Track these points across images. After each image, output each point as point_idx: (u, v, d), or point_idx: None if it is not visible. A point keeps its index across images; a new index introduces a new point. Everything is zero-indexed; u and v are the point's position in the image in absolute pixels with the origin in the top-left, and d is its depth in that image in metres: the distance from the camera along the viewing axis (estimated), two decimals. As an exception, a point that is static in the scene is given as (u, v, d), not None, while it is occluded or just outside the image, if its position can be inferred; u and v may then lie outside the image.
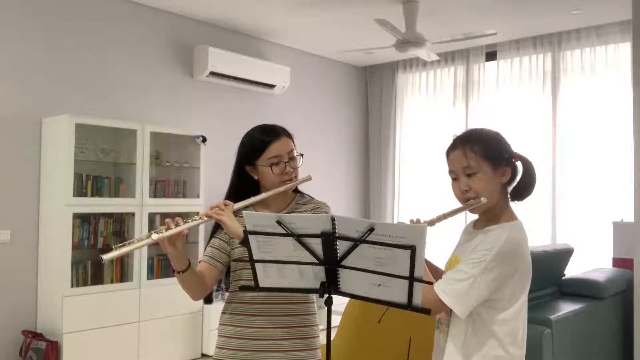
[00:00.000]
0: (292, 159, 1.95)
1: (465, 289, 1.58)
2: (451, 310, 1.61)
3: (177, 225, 1.73)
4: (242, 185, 1.98)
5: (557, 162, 5.70)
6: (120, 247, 1.66)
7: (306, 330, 1.95)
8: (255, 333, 1.90)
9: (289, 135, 1.98)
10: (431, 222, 1.66)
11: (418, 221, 1.69)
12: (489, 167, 1.67)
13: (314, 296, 2.00)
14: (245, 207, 1.88)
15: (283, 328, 1.91)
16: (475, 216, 1.80)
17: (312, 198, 2.08)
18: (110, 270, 4.45)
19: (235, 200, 1.91)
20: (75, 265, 4.24)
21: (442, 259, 1.88)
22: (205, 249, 1.99)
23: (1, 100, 4.19)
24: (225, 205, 1.84)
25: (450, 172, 1.73)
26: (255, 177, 1.97)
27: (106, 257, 1.63)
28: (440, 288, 1.61)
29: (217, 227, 1.96)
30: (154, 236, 1.69)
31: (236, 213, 1.86)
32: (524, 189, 1.73)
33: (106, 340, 4.24)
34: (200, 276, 1.89)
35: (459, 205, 1.72)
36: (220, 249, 1.95)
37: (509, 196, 1.75)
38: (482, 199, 1.65)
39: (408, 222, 1.72)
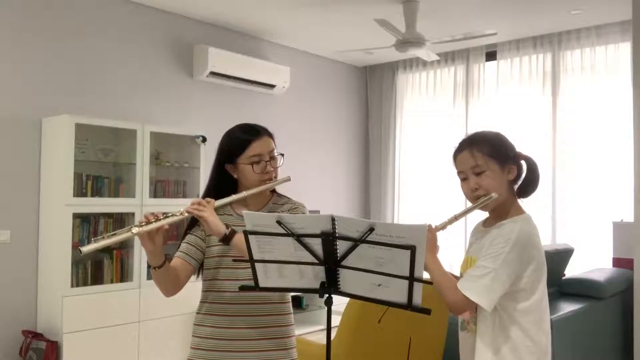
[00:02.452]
0: (272, 158, 1.96)
1: (488, 283, 1.64)
2: (477, 307, 1.67)
3: (157, 219, 1.72)
4: (222, 183, 1.98)
5: (557, 162, 5.69)
6: (99, 239, 1.65)
7: (281, 330, 1.95)
8: (229, 333, 1.90)
9: (269, 135, 1.99)
10: (443, 226, 1.72)
11: (430, 226, 1.71)
12: (495, 165, 1.75)
13: (289, 296, 2.01)
14: (226, 205, 1.89)
15: (257, 328, 1.90)
16: (481, 216, 1.86)
17: (289, 198, 2.08)
18: (110, 270, 4.45)
19: (213, 198, 1.91)
20: (75, 265, 4.24)
21: (449, 260, 1.91)
22: (180, 244, 1.97)
23: (1, 100, 4.19)
24: (207, 202, 1.83)
25: (459, 173, 1.81)
26: (235, 176, 1.97)
27: (85, 249, 1.62)
28: (464, 286, 1.66)
29: (193, 224, 1.95)
30: (134, 229, 1.67)
31: (216, 210, 1.85)
32: (529, 186, 1.82)
33: (106, 340, 4.24)
34: (175, 272, 1.87)
35: (462, 206, 1.76)
36: (196, 245, 1.94)
37: (515, 193, 1.82)
38: (493, 194, 1.72)
39: None
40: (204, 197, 1.97)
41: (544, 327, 1.72)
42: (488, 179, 1.74)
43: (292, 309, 2.03)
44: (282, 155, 2.00)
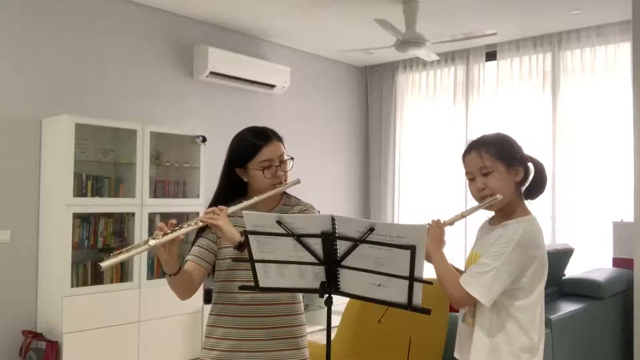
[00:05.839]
0: (282, 162, 1.98)
1: (489, 280, 1.71)
2: (476, 301, 1.74)
3: (172, 230, 1.74)
4: (232, 186, 1.99)
5: (557, 162, 5.69)
6: (118, 254, 1.66)
7: (292, 331, 1.96)
8: (241, 334, 1.91)
9: (279, 139, 2.01)
10: (451, 222, 1.81)
11: (438, 221, 1.81)
12: (503, 167, 1.81)
13: (300, 296, 2.02)
14: (237, 211, 1.88)
15: (268, 329, 1.92)
16: (486, 215, 1.94)
17: (299, 199, 2.10)
18: (110, 270, 4.44)
19: (224, 201, 1.93)
20: (75, 265, 4.24)
21: (456, 256, 1.97)
22: (191, 247, 1.99)
23: (1, 100, 4.19)
24: (220, 210, 1.84)
25: (467, 173, 1.87)
26: (245, 179, 1.98)
27: (104, 264, 1.64)
28: (466, 281, 1.74)
29: (205, 227, 1.95)
30: (152, 242, 1.69)
31: (228, 216, 1.86)
32: (536, 188, 1.88)
33: (106, 340, 4.24)
34: (189, 277, 1.89)
35: (462, 206, 1.78)
36: (208, 248, 1.96)
37: (522, 195, 1.88)
38: (498, 195, 1.78)
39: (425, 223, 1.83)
40: (214, 199, 1.99)
41: (538, 324, 1.79)
42: (495, 180, 1.80)
43: (303, 309, 2.04)
44: (292, 159, 2.01)
